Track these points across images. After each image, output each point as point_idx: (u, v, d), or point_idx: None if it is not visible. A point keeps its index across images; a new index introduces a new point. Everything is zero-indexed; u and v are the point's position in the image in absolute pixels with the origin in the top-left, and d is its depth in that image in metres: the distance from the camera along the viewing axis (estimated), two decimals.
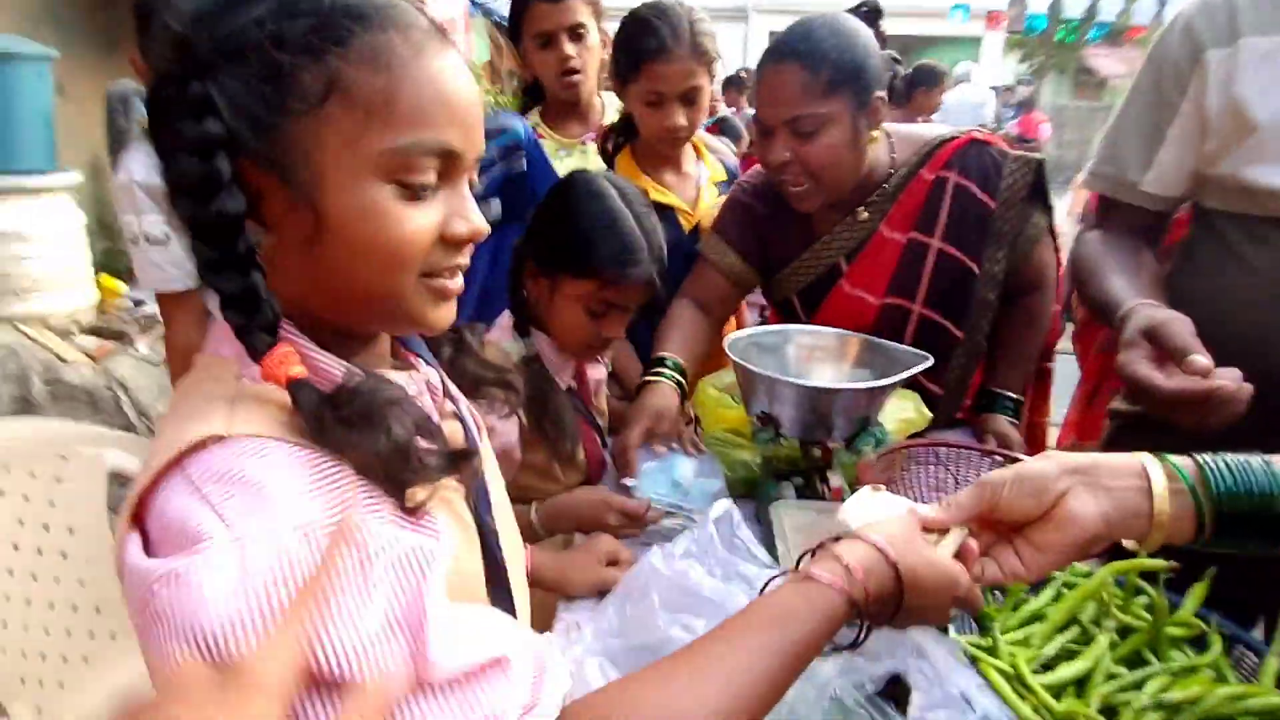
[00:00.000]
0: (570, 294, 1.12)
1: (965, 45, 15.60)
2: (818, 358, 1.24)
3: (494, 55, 6.11)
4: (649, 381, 1.30)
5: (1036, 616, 0.88)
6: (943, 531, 0.69)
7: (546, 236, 1.14)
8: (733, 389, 1.37)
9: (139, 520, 0.50)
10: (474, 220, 0.58)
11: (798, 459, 1.16)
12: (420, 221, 0.54)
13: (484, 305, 1.42)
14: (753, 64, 2.46)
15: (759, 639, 0.58)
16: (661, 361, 1.34)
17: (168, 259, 1.52)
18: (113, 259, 3.31)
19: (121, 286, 2.78)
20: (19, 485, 1.41)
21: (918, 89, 4.87)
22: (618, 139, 1.71)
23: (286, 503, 0.47)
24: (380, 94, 0.52)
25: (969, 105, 7.06)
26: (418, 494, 0.53)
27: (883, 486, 0.75)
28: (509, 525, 0.73)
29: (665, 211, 1.64)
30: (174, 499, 0.48)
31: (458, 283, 0.60)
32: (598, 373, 1.35)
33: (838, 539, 0.67)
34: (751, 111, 1.39)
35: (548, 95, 1.86)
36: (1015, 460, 1.00)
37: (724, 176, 1.78)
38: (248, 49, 0.51)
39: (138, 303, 2.77)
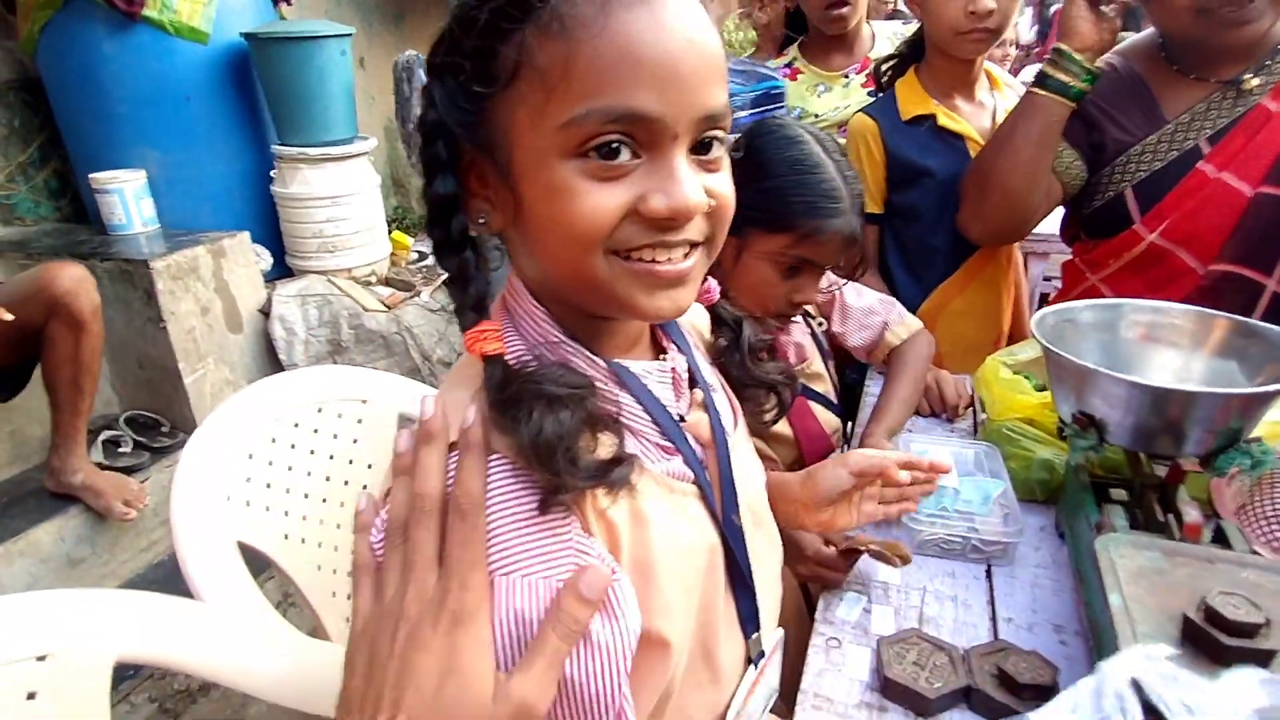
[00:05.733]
0: (760, 250, 1.01)
1: None
2: (1160, 341, 0.94)
3: None
4: None
5: None
6: None
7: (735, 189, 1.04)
8: (1031, 368, 1.14)
9: None
10: (677, 196, 0.49)
11: (1123, 467, 0.92)
12: (601, 198, 0.49)
13: None
14: None
15: None
16: None
17: None
18: (402, 214, 3.71)
19: (409, 241, 3.08)
20: (330, 425, 1.62)
21: None
22: (896, 64, 1.52)
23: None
24: (558, 62, 0.47)
25: None
26: (565, 497, 0.49)
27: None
28: (765, 521, 0.71)
29: (953, 140, 1.44)
30: None
31: (675, 266, 0.52)
32: (795, 336, 1.21)
33: None
34: None
35: (810, 26, 1.71)
36: None
37: None
38: (451, 38, 0.51)
39: (422, 255, 3.07)
